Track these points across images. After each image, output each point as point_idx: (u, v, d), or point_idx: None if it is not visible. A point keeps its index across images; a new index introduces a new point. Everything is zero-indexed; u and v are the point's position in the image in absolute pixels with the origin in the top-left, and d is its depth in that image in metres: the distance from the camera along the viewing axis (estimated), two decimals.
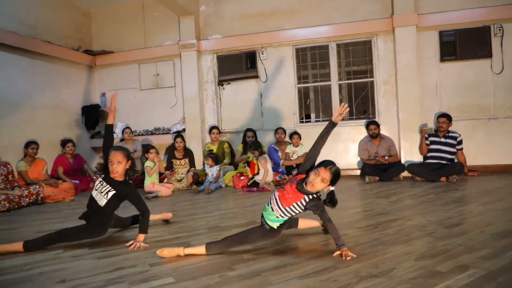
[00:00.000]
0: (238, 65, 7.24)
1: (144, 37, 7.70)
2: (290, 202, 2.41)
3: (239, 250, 2.53)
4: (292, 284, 1.96)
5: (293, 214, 2.45)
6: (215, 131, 6.86)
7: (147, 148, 6.00)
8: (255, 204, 4.58)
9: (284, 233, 2.81)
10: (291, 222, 2.79)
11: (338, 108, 2.69)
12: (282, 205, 2.42)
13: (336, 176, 2.39)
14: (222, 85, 7.37)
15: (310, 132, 6.83)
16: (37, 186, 5.36)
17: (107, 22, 7.90)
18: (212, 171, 6.18)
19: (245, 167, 6.27)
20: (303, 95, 7.19)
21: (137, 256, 2.55)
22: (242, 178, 5.95)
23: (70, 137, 6.70)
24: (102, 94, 7.79)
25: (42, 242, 2.78)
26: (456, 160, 5.83)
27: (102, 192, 2.82)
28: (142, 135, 7.46)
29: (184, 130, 7.26)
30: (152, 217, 3.20)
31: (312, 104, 7.61)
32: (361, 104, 7.10)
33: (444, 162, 5.73)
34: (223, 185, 6.20)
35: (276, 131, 6.56)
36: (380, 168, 5.98)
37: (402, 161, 6.23)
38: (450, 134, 5.82)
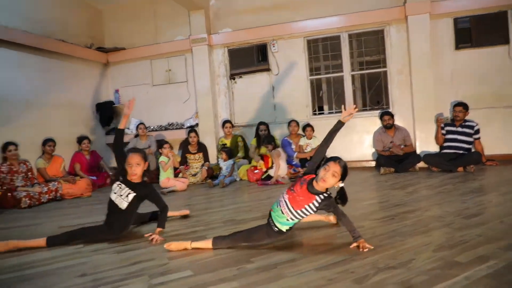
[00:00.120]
0: (250, 59, 7.22)
1: (155, 33, 7.73)
2: (302, 205, 2.35)
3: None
4: (309, 276, 1.97)
5: (305, 216, 2.40)
6: (228, 125, 6.88)
7: (160, 143, 6.06)
8: (269, 197, 4.59)
9: (297, 226, 2.80)
10: None
11: (347, 107, 2.69)
12: (293, 208, 2.36)
13: (345, 169, 2.36)
14: (233, 78, 7.37)
15: (323, 124, 6.78)
16: (56, 183, 5.47)
17: (118, 19, 7.95)
18: (226, 165, 6.21)
19: (259, 160, 6.28)
20: (315, 87, 7.14)
21: (155, 250, 2.59)
22: (256, 171, 5.96)
23: (85, 134, 6.81)
24: (116, 91, 7.87)
25: (64, 239, 2.85)
26: (473, 150, 5.73)
27: (122, 195, 2.84)
28: (156, 130, 7.52)
29: (197, 124, 7.30)
30: (170, 213, 3.23)
31: (325, 96, 7.56)
32: (375, 94, 7.02)
33: (461, 152, 5.64)
34: (238, 179, 6.23)
35: (289, 124, 6.54)
36: (395, 159, 5.92)
37: (418, 152, 6.15)
38: (466, 123, 5.72)
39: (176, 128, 7.46)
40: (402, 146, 6.07)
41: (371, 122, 6.65)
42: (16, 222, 4.05)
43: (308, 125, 6.44)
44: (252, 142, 6.60)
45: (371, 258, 2.14)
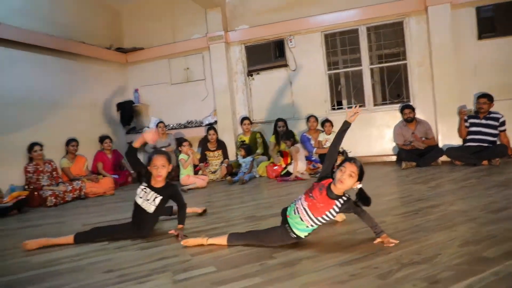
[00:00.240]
0: (267, 55, 7.20)
1: (172, 32, 7.79)
2: (323, 212, 2.29)
3: None
4: (332, 271, 1.96)
5: (325, 222, 2.35)
6: (246, 122, 6.89)
7: (180, 141, 6.13)
8: (289, 193, 4.59)
9: None
10: None
11: (352, 107, 2.69)
12: (313, 215, 2.30)
13: (362, 169, 2.31)
14: (251, 75, 7.37)
15: (342, 119, 6.55)
16: (80, 182, 5.61)
17: (136, 19, 8.05)
18: (246, 162, 6.23)
19: (278, 156, 6.28)
20: (333, 82, 7.07)
21: (178, 247, 2.62)
22: (275, 167, 5.96)
23: (107, 134, 6.93)
24: (135, 90, 7.98)
25: (92, 237, 2.92)
26: (498, 142, 5.57)
27: (148, 200, 2.86)
28: (175, 128, 7.60)
29: (216, 122, 7.34)
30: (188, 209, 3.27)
31: (344, 90, 7.48)
32: (394, 88, 6.90)
33: (485, 144, 5.49)
34: (257, 176, 6.24)
35: (307, 119, 6.51)
36: (417, 153, 5.82)
37: (440, 145, 6.03)
38: (491, 115, 5.56)
39: (195, 126, 7.52)
40: (424, 139, 5.96)
41: (391, 116, 6.55)
42: (43, 220, 4.17)
43: (327, 120, 6.39)
44: (271, 139, 6.60)
45: (394, 254, 2.12)
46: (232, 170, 6.43)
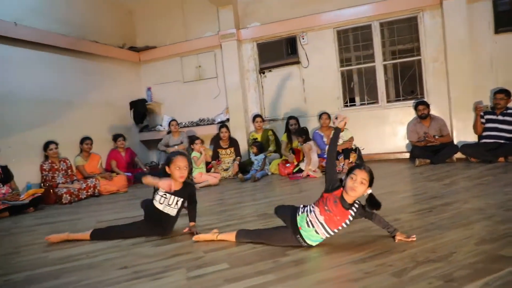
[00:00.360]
0: (279, 52, 7.17)
1: (184, 30, 7.83)
2: (339, 224, 2.24)
3: None
4: (347, 268, 1.95)
5: (339, 231, 2.32)
6: (258, 119, 6.90)
7: (192, 139, 6.16)
8: (302, 190, 4.59)
9: None
10: None
11: (338, 116, 2.62)
12: (330, 228, 2.24)
13: (372, 174, 2.25)
14: (263, 73, 7.36)
15: (355, 116, 6.69)
16: (94, 180, 5.69)
17: (149, 18, 8.10)
18: (258, 159, 6.23)
19: (290, 154, 6.27)
20: (346, 78, 7.02)
21: (191, 244, 2.64)
22: (287, 165, 5.95)
23: (120, 132, 7.01)
24: (148, 89, 8.05)
25: (107, 236, 2.95)
26: None
27: (170, 205, 2.85)
28: (188, 126, 7.64)
29: (228, 120, 7.35)
30: None
31: (356, 87, 7.41)
32: (408, 84, 6.81)
33: (502, 141, 5.38)
34: (269, 173, 6.24)
35: (320, 116, 6.47)
36: (431, 150, 5.74)
37: (455, 142, 5.94)
38: (508, 111, 5.45)
39: (207, 124, 7.55)
40: (437, 137, 5.88)
41: (405, 112, 6.47)
42: (58, 217, 4.25)
43: None
44: (282, 138, 6.58)
45: (409, 252, 2.10)
46: (245, 167, 6.42)
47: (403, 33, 6.64)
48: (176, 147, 6.81)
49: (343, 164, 5.88)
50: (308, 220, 2.27)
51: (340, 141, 6.23)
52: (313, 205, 2.32)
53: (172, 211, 2.87)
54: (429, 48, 6.30)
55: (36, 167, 5.50)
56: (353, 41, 6.94)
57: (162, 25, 7.96)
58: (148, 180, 2.78)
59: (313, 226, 2.26)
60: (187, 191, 2.92)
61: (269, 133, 6.87)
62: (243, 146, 7.00)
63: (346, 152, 6.00)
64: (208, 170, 6.33)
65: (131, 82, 7.94)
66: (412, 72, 6.60)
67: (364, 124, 6.66)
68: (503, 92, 5.45)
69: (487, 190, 3.53)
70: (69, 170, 5.73)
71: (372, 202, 2.26)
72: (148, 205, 2.96)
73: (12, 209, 4.60)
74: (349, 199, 2.23)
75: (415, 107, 6.14)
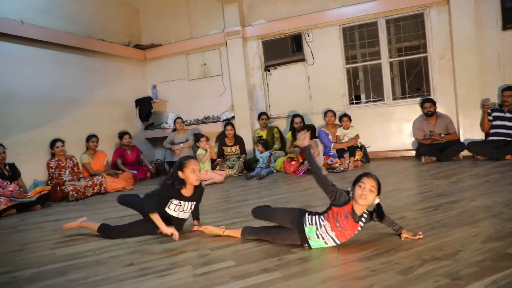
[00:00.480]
0: (284, 49, 7.16)
1: (190, 28, 7.83)
2: (349, 236, 2.23)
3: None
4: (352, 266, 1.95)
5: None
6: (264, 117, 6.89)
7: (197, 137, 6.18)
8: (307, 188, 4.58)
9: None
10: None
11: (298, 135, 2.59)
12: (340, 241, 2.23)
13: (379, 182, 2.22)
14: (268, 70, 7.35)
15: (361, 113, 6.68)
16: (100, 177, 5.72)
17: (154, 16, 8.11)
18: (263, 157, 6.23)
19: (298, 152, 6.25)
20: (352, 76, 6.99)
21: (197, 241, 2.65)
22: (293, 162, 5.94)
23: (126, 130, 7.04)
24: (153, 86, 8.07)
25: (113, 234, 2.93)
26: None
27: (185, 210, 2.84)
28: (193, 124, 7.65)
29: (233, 117, 7.36)
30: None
31: (362, 84, 7.38)
32: (414, 81, 6.77)
33: (509, 138, 5.34)
34: (274, 171, 6.24)
35: (325, 114, 6.46)
36: (437, 148, 5.71)
37: (462, 140, 5.89)
38: None
39: (213, 121, 7.56)
40: (443, 135, 5.84)
41: (411, 110, 6.44)
42: (65, 214, 4.27)
43: (345, 115, 6.33)
44: (287, 136, 6.58)
45: (415, 249, 2.09)
46: (250, 165, 6.42)
47: (410, 30, 6.59)
48: (181, 144, 6.83)
49: (349, 162, 5.87)
50: (318, 233, 2.23)
51: (346, 139, 6.22)
52: (322, 218, 2.24)
53: (185, 215, 2.88)
54: (435, 45, 6.25)
55: (43, 164, 5.54)
56: (358, 38, 6.90)
57: (168, 23, 7.97)
58: (156, 218, 2.68)
59: (323, 239, 2.23)
60: (198, 193, 2.90)
61: (274, 131, 6.87)
62: (249, 143, 7.01)
63: (352, 150, 5.98)
64: (213, 168, 6.34)
65: (136, 80, 7.96)
66: (418, 69, 6.56)
67: (369, 121, 6.64)
68: (510, 89, 5.40)
69: (494, 188, 3.50)
70: (76, 168, 5.76)
71: (379, 212, 2.26)
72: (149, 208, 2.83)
73: (19, 206, 4.64)
74: (359, 209, 2.19)
75: (421, 105, 6.11)
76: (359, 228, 2.23)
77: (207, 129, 7.42)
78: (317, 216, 2.27)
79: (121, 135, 6.83)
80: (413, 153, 6.24)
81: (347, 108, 6.78)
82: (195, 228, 2.93)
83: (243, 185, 5.29)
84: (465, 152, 5.61)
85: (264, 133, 6.88)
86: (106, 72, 7.11)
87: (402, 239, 2.26)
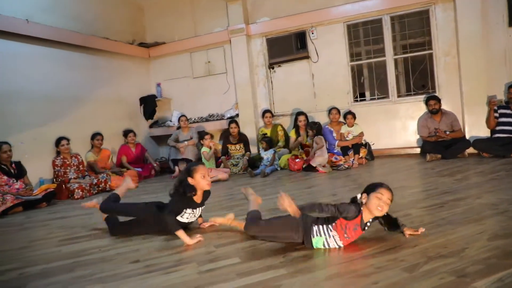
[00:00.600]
0: (288, 47, 7.14)
1: (193, 26, 7.83)
2: (353, 240, 2.22)
3: None
4: (358, 263, 1.95)
5: None
6: (268, 114, 6.89)
7: (202, 134, 6.19)
8: (312, 186, 4.58)
9: None
10: None
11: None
12: (344, 245, 2.20)
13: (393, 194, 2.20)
14: (273, 68, 7.34)
15: (365, 111, 6.65)
16: (105, 175, 5.74)
17: (158, 14, 8.12)
18: (267, 155, 6.23)
19: (299, 149, 6.26)
20: (356, 73, 6.96)
21: (203, 238, 2.66)
22: (297, 160, 5.93)
23: (130, 128, 7.06)
24: (158, 84, 8.09)
25: (124, 229, 2.96)
26: None
27: (196, 215, 2.84)
28: (197, 122, 7.66)
29: (237, 115, 7.36)
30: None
31: (367, 81, 7.35)
32: (419, 78, 6.73)
33: None
34: (279, 168, 6.24)
35: (329, 111, 6.44)
36: (442, 145, 5.68)
37: (467, 137, 5.86)
38: None
39: (217, 119, 7.56)
40: (448, 132, 5.81)
41: (416, 107, 6.41)
42: (70, 212, 4.31)
43: (349, 112, 6.31)
44: (291, 133, 6.57)
45: (420, 247, 2.08)
46: (254, 163, 6.43)
47: (415, 27, 6.56)
48: (185, 142, 6.84)
49: (353, 159, 5.85)
50: (326, 243, 2.20)
51: (350, 136, 6.21)
52: (331, 228, 2.18)
53: (195, 218, 2.87)
54: (441, 42, 6.21)
55: (48, 162, 5.58)
56: (363, 35, 6.87)
57: (172, 21, 7.97)
58: (181, 234, 2.57)
59: (328, 245, 2.20)
60: (206, 196, 2.88)
61: (278, 128, 6.86)
62: (253, 141, 7.01)
63: (356, 147, 5.97)
64: (217, 166, 6.35)
65: (140, 78, 7.98)
66: (423, 67, 6.53)
67: (374, 119, 6.62)
68: None
69: (500, 185, 3.48)
70: (81, 166, 5.79)
71: (389, 221, 2.27)
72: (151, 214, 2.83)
73: (25, 204, 4.68)
74: (367, 217, 2.17)
75: (426, 102, 6.08)
76: (363, 234, 2.23)
77: (211, 127, 7.43)
78: (324, 226, 2.20)
79: (126, 133, 6.86)
80: (418, 150, 6.21)
81: (352, 105, 6.76)
82: (204, 225, 2.94)
83: (248, 182, 5.29)
84: (471, 150, 5.58)
85: (268, 131, 6.88)
86: (111, 70, 7.13)
87: (407, 236, 2.26)
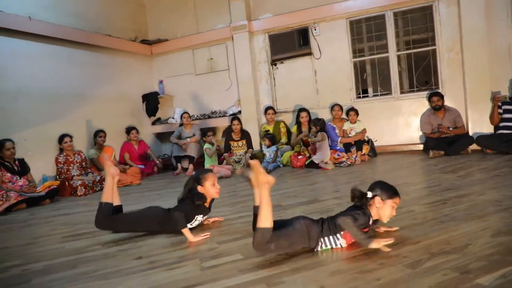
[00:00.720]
0: (291, 43, 7.12)
1: (196, 22, 7.81)
2: None
3: None
4: (361, 259, 1.95)
5: None
6: (270, 111, 6.88)
7: (204, 131, 6.19)
8: (314, 182, 4.58)
9: None
10: None
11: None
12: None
13: None
14: (275, 64, 7.32)
15: (368, 107, 6.63)
16: None
17: (160, 11, 8.11)
18: (270, 151, 6.23)
19: (301, 146, 6.25)
20: (359, 69, 6.94)
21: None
22: (300, 157, 5.93)
23: (133, 125, 7.07)
24: (160, 82, 8.09)
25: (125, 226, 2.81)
26: None
27: (202, 220, 2.84)
28: (200, 119, 7.66)
29: (240, 112, 7.35)
30: None
31: (369, 78, 7.33)
32: (422, 74, 6.70)
33: None
34: (281, 165, 6.24)
35: (332, 108, 6.43)
36: (445, 142, 5.66)
37: (470, 133, 5.83)
38: None
39: (219, 116, 7.56)
40: (451, 128, 5.79)
41: (419, 103, 6.38)
42: (74, 209, 4.34)
43: (352, 109, 6.29)
44: (292, 129, 6.56)
45: (423, 243, 2.08)
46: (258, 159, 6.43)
47: (418, 23, 6.52)
48: (188, 139, 6.85)
49: (356, 156, 5.84)
50: (331, 248, 2.14)
51: (352, 133, 6.19)
52: (339, 236, 2.11)
53: (200, 222, 2.86)
54: (444, 38, 6.17)
55: (51, 160, 5.59)
56: (366, 31, 6.84)
57: (174, 18, 7.96)
58: (186, 231, 2.55)
59: (332, 249, 2.14)
60: (212, 200, 2.89)
61: (281, 125, 6.85)
62: (255, 138, 7.00)
63: (359, 144, 5.96)
64: (220, 163, 6.36)
65: (143, 75, 7.98)
66: (426, 63, 6.49)
67: (377, 115, 6.60)
68: None
69: (503, 182, 3.47)
70: (84, 163, 5.81)
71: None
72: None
73: (29, 201, 4.70)
74: (373, 220, 2.16)
75: (429, 98, 6.06)
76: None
77: (213, 124, 7.44)
78: (331, 238, 2.12)
79: (128, 130, 6.87)
80: (421, 147, 6.19)
81: (354, 102, 6.74)
82: (209, 220, 2.95)
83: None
84: (474, 146, 5.55)
85: (270, 128, 6.87)
86: (113, 68, 7.13)
87: (382, 231, 2.31)
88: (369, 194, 2.15)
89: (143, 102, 7.85)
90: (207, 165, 5.94)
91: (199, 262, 2.14)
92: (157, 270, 2.08)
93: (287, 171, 5.72)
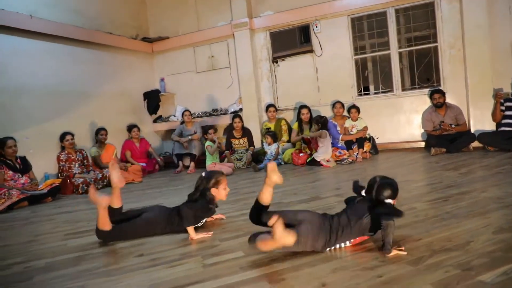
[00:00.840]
0: (292, 41, 7.10)
1: (197, 20, 7.80)
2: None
3: None
4: (362, 256, 1.95)
5: None
6: (271, 109, 6.87)
7: (205, 129, 6.19)
8: (316, 180, 4.57)
9: None
10: None
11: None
12: None
13: None
14: (276, 62, 7.31)
15: (369, 105, 6.62)
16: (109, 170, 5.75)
17: (161, 8, 8.09)
18: (271, 149, 6.23)
19: (302, 144, 6.24)
20: (360, 67, 6.92)
21: (206, 232, 2.66)
22: (301, 154, 5.93)
23: (134, 123, 7.08)
24: (161, 79, 8.08)
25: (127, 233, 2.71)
26: None
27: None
28: (201, 116, 7.66)
29: (241, 109, 7.35)
30: None
31: (371, 75, 7.31)
32: (424, 71, 6.68)
33: None
34: (282, 163, 6.24)
35: (333, 105, 6.42)
36: (447, 139, 5.65)
37: (472, 131, 5.82)
38: None
39: (221, 114, 7.56)
40: (453, 126, 5.78)
41: (421, 101, 6.37)
42: (75, 207, 4.34)
43: (353, 106, 6.28)
44: (293, 126, 6.56)
45: (425, 240, 2.08)
46: (258, 157, 6.42)
47: (419, 20, 6.49)
48: (189, 137, 6.85)
49: (357, 153, 5.84)
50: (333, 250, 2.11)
51: (354, 130, 6.18)
52: (348, 243, 2.09)
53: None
54: (446, 35, 6.15)
55: (53, 157, 5.61)
56: (367, 28, 6.82)
57: (175, 16, 7.95)
58: (191, 230, 2.55)
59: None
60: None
61: (282, 123, 6.85)
62: (256, 135, 7.00)
63: (360, 141, 5.95)
64: (221, 160, 6.36)
65: (144, 73, 7.98)
66: (428, 60, 6.47)
67: (378, 113, 6.59)
68: None
69: (505, 179, 3.46)
70: (85, 161, 5.82)
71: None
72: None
73: (31, 199, 4.71)
74: None
75: (430, 96, 6.04)
76: None
77: (215, 122, 7.44)
78: (342, 244, 2.09)
79: (130, 128, 6.87)
80: (423, 144, 6.19)
81: (356, 99, 6.73)
82: (212, 217, 2.95)
83: (251, 177, 5.30)
84: (476, 143, 5.54)
85: (272, 125, 6.87)
86: (114, 66, 7.13)
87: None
88: (389, 201, 2.02)
89: (144, 100, 7.85)
90: (208, 162, 5.94)
91: (201, 259, 2.14)
92: (159, 267, 2.08)
93: (289, 169, 5.72)
